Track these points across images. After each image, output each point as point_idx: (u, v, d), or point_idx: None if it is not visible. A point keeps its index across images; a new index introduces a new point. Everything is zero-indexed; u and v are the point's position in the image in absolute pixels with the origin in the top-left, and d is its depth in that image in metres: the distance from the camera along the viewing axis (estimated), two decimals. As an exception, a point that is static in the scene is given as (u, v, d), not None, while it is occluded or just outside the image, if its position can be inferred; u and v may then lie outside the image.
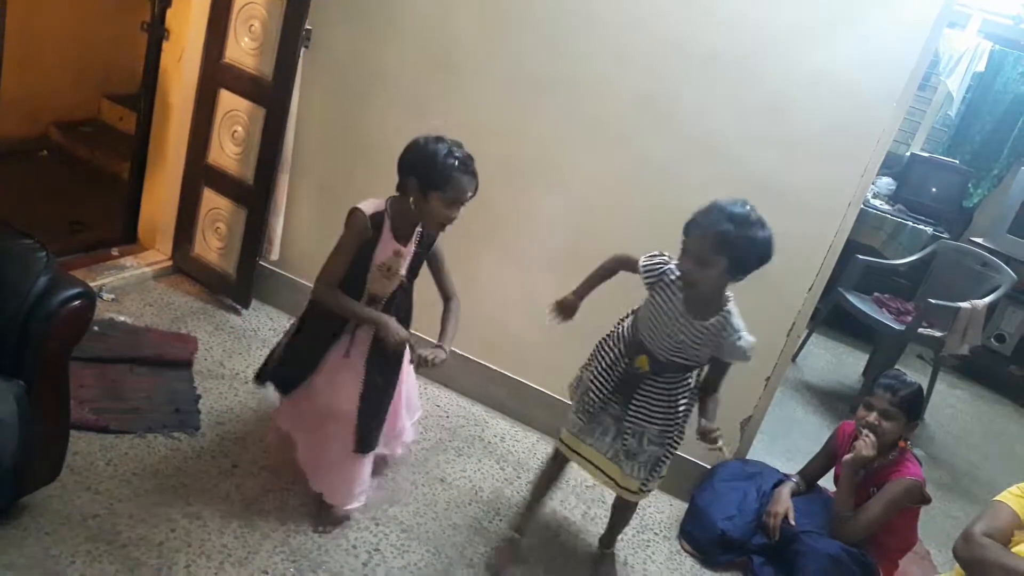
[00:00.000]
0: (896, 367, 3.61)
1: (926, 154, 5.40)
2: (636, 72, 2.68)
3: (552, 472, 2.38)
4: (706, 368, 2.13)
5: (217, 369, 2.83)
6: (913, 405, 2.49)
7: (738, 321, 1.99)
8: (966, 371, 5.18)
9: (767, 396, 2.79)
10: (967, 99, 5.43)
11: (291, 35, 2.88)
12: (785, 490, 2.65)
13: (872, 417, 2.46)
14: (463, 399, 3.12)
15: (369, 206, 2.07)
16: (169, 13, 3.10)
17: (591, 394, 2.18)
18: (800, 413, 3.95)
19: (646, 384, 2.10)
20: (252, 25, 2.96)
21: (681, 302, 2.01)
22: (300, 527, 2.24)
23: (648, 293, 2.09)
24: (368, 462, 2.28)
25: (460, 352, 3.05)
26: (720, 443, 2.03)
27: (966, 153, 5.50)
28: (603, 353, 2.19)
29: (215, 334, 3.03)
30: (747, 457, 2.91)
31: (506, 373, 3.08)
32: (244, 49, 2.99)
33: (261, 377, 2.36)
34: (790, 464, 2.86)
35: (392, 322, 2.12)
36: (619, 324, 2.20)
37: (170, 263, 3.35)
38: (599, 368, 2.18)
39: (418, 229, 2.16)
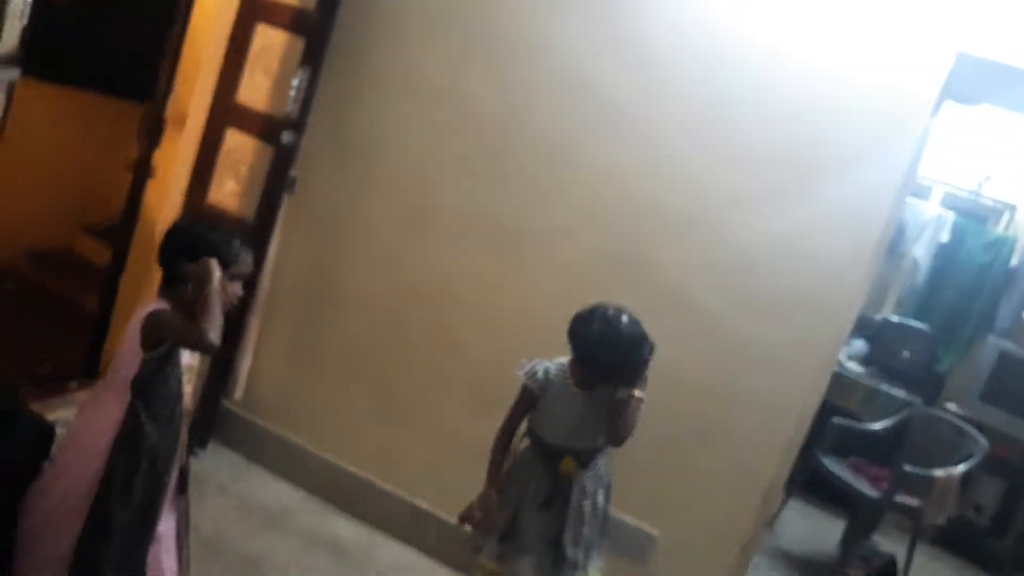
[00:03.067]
0: (874, 536, 3.51)
1: (896, 319, 5.48)
2: (606, 229, 2.76)
3: None
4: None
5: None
6: (886, 576, 2.40)
7: None
8: (945, 542, 5.01)
9: (743, 564, 2.68)
10: (934, 267, 5.58)
11: (276, 181, 2.96)
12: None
13: (849, 589, 2.36)
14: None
15: (157, 306, 1.99)
16: (156, 153, 3.17)
17: (522, 522, 2.20)
18: (777, 582, 3.79)
19: (574, 485, 2.18)
20: (239, 169, 3.03)
21: (572, 384, 2.21)
22: None
23: (539, 400, 2.24)
24: None
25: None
26: None
27: (936, 319, 5.54)
28: (516, 484, 2.23)
29: (168, 477, 2.89)
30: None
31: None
32: (227, 192, 3.06)
33: None
34: (767, 640, 2.71)
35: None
36: (509, 454, 2.28)
37: (130, 399, 3.24)
38: (521, 497, 2.21)
39: None
